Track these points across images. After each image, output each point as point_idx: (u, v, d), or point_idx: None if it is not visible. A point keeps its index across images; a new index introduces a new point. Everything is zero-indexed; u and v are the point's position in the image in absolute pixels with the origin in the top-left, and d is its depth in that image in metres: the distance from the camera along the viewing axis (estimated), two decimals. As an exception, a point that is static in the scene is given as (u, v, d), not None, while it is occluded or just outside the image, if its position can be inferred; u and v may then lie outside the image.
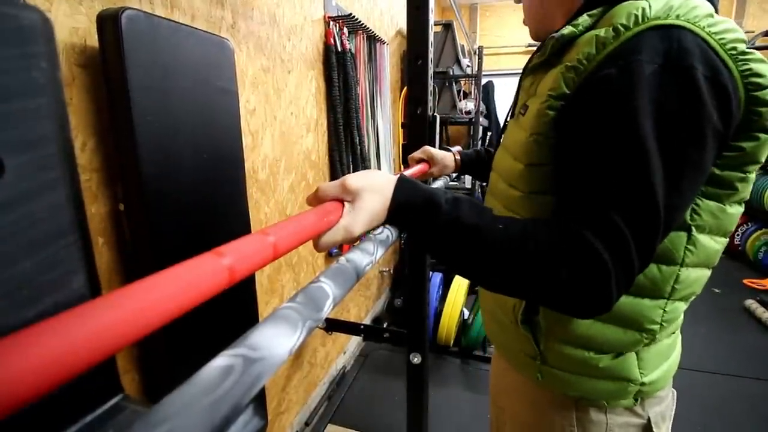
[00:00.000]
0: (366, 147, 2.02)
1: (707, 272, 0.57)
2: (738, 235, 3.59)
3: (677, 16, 0.44)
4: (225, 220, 0.99)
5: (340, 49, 1.73)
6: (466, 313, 2.37)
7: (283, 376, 1.58)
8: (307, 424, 1.75)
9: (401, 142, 2.74)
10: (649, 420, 0.62)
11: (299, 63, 1.52)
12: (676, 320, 0.60)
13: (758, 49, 3.45)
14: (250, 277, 1.11)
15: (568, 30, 0.51)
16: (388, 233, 0.51)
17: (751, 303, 2.66)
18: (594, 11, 0.51)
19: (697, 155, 0.43)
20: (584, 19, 0.51)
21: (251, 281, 1.13)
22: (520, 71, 0.70)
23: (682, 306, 0.58)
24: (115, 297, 0.19)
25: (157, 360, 0.87)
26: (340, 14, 1.78)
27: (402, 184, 0.47)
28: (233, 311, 1.01)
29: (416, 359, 1.33)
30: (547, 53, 0.55)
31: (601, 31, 0.47)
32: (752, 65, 0.44)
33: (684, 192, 0.44)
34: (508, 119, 0.71)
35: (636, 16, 0.45)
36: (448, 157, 1.03)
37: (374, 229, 0.48)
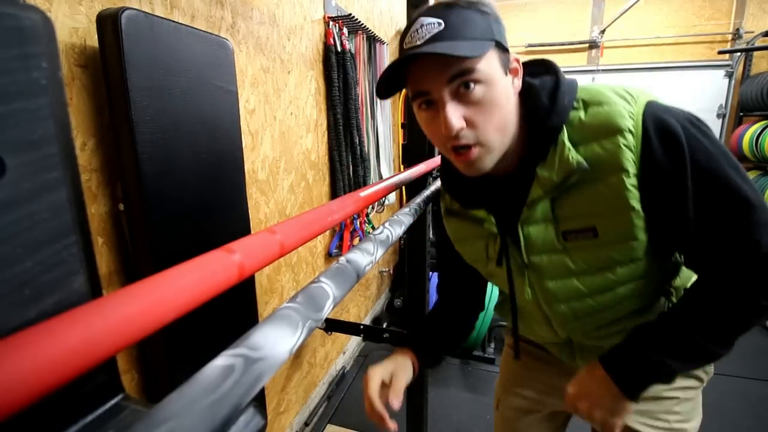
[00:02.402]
0: (366, 147, 2.02)
1: None
2: (737, 235, 3.58)
3: (643, 98, 0.55)
4: (225, 220, 0.99)
5: (339, 49, 1.73)
6: (466, 313, 2.37)
7: (283, 376, 1.58)
8: (306, 424, 1.75)
9: (401, 142, 2.74)
10: None
11: (299, 63, 1.52)
12: None
13: (758, 49, 3.41)
14: (250, 277, 1.11)
15: (582, 159, 0.56)
16: (388, 233, 0.51)
17: (751, 303, 2.65)
18: (564, 139, 0.57)
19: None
20: (569, 146, 0.56)
21: (251, 281, 1.13)
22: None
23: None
24: (132, 290, 0.19)
25: (156, 359, 0.87)
26: (339, 14, 1.78)
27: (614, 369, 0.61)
28: (233, 311, 1.01)
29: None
30: (573, 180, 0.58)
31: (621, 139, 0.54)
32: None
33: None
34: (529, 260, 0.65)
35: (630, 111, 0.54)
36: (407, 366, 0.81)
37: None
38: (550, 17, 4.10)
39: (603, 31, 3.90)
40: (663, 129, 0.53)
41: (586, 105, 0.57)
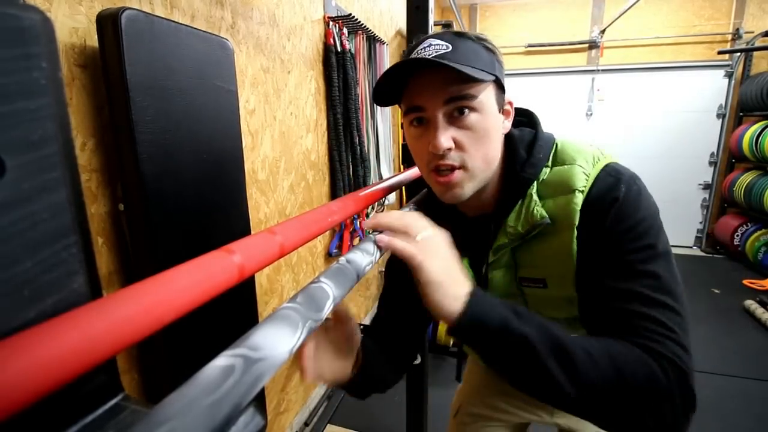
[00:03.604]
0: (366, 147, 2.02)
1: None
2: (738, 235, 3.59)
3: (605, 161, 0.55)
4: (225, 220, 0.99)
5: (339, 49, 1.73)
6: (466, 313, 2.37)
7: (283, 376, 1.58)
8: (306, 424, 1.75)
9: (401, 142, 2.74)
10: None
11: (299, 63, 1.52)
12: None
13: (758, 49, 3.41)
14: (249, 277, 1.11)
15: (545, 214, 0.56)
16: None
17: (751, 303, 2.66)
18: (532, 192, 0.58)
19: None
20: (536, 200, 0.57)
21: (251, 281, 1.13)
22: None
23: None
24: (133, 291, 0.19)
25: (156, 359, 0.87)
26: (339, 14, 1.78)
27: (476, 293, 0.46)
28: (233, 311, 1.01)
29: (416, 359, 1.33)
30: (535, 232, 0.57)
31: (573, 197, 0.54)
32: None
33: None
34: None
35: (586, 173, 0.54)
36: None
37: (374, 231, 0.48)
38: (550, 17, 4.10)
39: (603, 31, 3.90)
40: (606, 185, 0.53)
41: (555, 162, 0.59)
